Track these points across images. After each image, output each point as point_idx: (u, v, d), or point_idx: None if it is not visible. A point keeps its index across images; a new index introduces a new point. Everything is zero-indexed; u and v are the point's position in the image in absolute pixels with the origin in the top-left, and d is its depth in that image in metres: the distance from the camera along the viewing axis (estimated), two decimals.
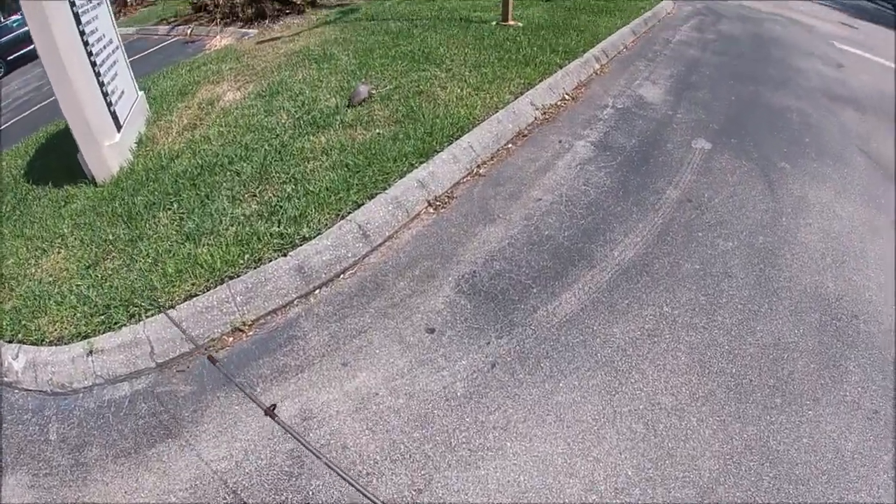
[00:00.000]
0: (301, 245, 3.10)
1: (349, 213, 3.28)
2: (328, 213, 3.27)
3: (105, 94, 4.41)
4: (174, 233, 3.32)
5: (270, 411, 2.35)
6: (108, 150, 4.37)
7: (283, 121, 4.55)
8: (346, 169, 3.61)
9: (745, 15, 9.51)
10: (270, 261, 3.02)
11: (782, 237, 3.29)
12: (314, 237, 3.13)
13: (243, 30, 9.24)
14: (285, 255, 3.05)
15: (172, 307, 2.80)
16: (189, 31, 10.54)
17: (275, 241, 3.11)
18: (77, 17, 4.02)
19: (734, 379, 2.38)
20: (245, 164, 3.87)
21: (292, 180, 3.60)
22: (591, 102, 5.01)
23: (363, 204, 3.33)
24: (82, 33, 4.10)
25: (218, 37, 9.50)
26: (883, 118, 5.32)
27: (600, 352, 2.51)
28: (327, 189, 3.43)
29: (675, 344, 2.54)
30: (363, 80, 5.10)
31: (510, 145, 4.21)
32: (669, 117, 4.78)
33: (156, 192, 3.77)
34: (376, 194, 3.41)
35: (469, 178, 3.80)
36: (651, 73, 5.78)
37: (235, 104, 5.16)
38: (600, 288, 2.87)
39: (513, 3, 6.70)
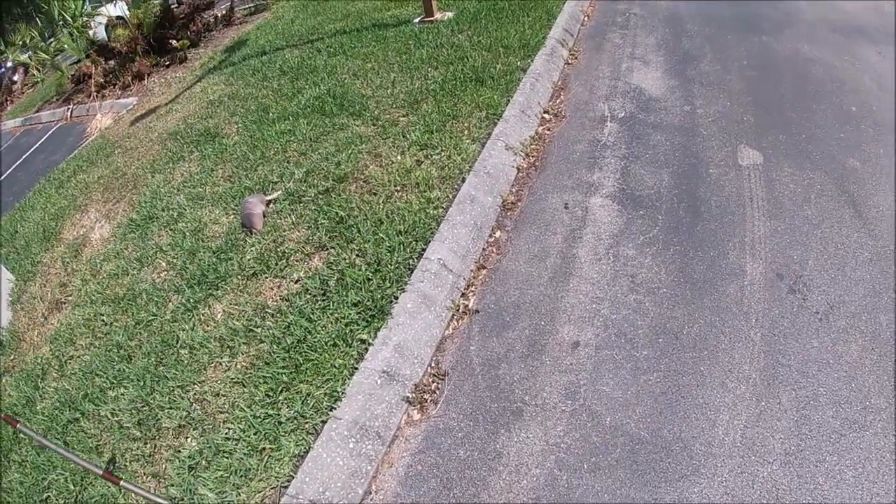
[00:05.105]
0: None
1: (288, 479, 1.94)
2: (257, 491, 1.95)
3: None
4: None
5: None
6: None
7: (162, 276, 3.13)
8: (263, 382, 2.23)
9: None
10: None
11: None
12: None
13: (122, 100, 7.54)
14: None
15: None
16: (69, 115, 8.78)
17: None
18: None
19: None
20: (122, 393, 2.50)
21: (191, 423, 2.24)
22: (581, 117, 3.59)
23: (307, 452, 1.99)
24: None
25: (98, 115, 7.80)
26: None
27: None
28: (244, 440, 2.07)
29: None
30: (258, 180, 3.58)
31: (498, 233, 2.83)
32: (689, 117, 3.38)
33: (21, 487, 2.43)
34: (322, 424, 2.06)
35: (455, 323, 2.44)
36: (634, 48, 4.32)
37: (104, 249, 3.72)
38: None
39: None
